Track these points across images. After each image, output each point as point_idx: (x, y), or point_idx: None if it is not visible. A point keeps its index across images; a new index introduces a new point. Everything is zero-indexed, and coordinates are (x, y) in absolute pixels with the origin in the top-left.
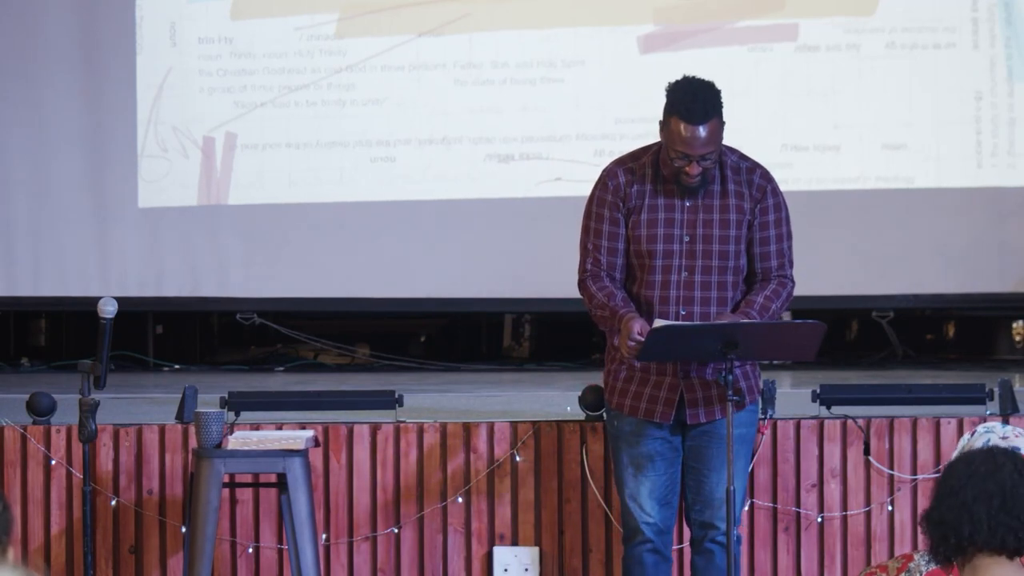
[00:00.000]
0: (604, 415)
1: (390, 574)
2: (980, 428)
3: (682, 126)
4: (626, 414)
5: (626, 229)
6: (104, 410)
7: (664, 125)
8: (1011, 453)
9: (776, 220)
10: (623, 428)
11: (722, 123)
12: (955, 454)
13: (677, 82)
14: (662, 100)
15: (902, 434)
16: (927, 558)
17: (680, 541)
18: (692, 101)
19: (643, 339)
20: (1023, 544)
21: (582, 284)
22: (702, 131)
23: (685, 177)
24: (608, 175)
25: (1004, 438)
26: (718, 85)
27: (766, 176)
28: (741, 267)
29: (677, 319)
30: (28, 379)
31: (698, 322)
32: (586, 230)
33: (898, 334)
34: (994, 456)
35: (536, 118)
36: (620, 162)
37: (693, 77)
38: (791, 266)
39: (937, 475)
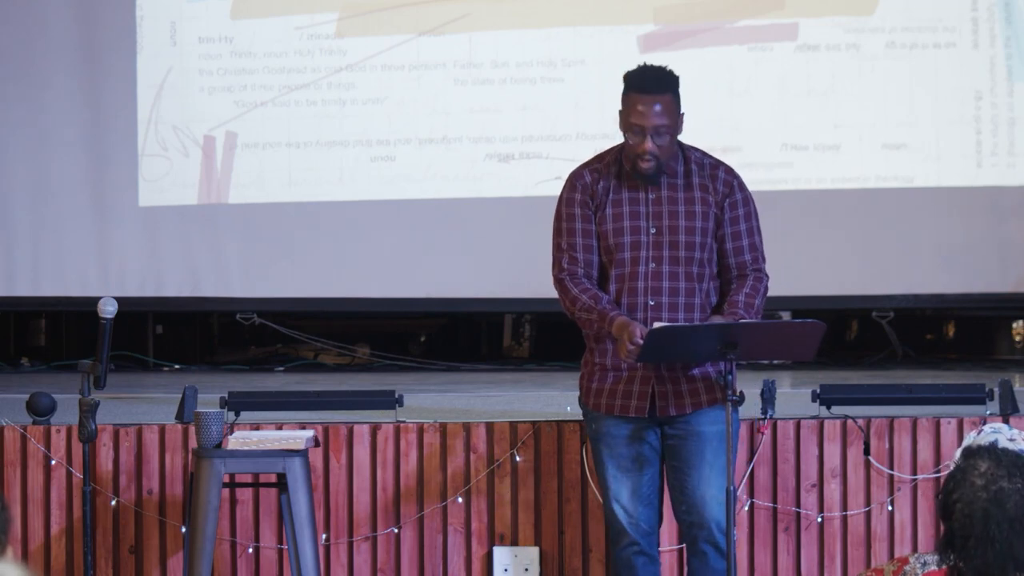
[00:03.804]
0: (583, 419)
1: (390, 574)
2: (987, 428)
3: (636, 97)
4: (603, 412)
5: (596, 226)
6: (104, 410)
7: (622, 109)
8: None
9: (746, 214)
10: (601, 429)
11: (678, 105)
12: (958, 453)
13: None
14: None
15: (902, 434)
16: (923, 560)
17: (679, 542)
18: (644, 74)
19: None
20: None
21: (560, 283)
22: (655, 104)
23: (641, 162)
24: (575, 177)
25: (1012, 440)
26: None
27: (731, 172)
28: (708, 259)
29: (645, 310)
30: (28, 379)
31: (698, 323)
32: (558, 232)
33: (898, 334)
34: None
35: (536, 118)
36: (585, 165)
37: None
38: (764, 260)
39: (937, 475)
